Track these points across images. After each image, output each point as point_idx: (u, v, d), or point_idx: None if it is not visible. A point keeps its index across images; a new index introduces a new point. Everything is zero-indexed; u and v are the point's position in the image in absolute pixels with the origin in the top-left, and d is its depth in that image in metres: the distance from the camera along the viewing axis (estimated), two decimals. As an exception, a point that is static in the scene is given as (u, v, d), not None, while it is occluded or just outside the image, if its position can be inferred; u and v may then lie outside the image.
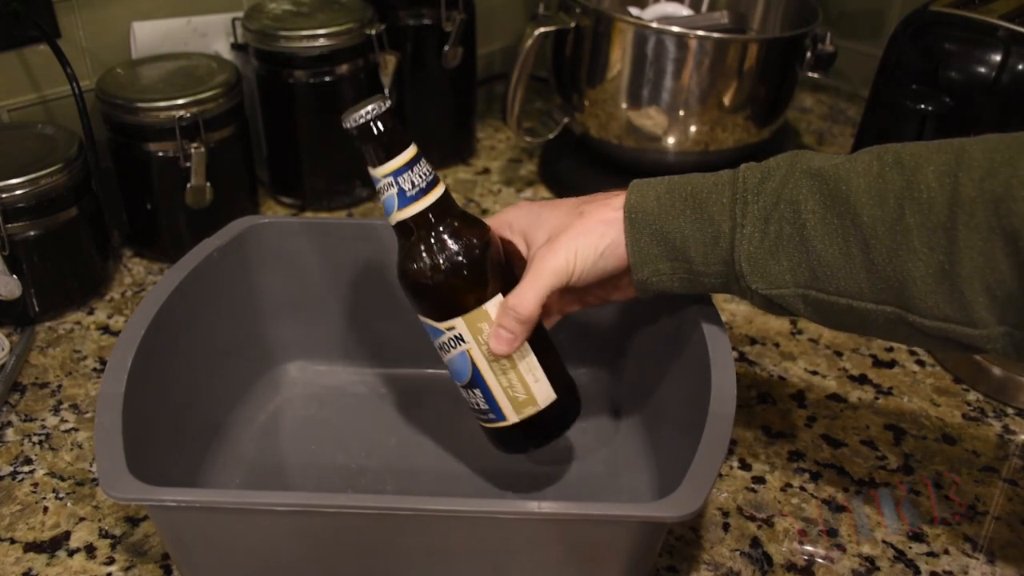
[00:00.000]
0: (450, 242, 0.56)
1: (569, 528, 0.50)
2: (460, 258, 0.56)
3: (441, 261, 0.56)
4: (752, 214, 0.53)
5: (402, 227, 0.56)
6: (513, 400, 0.59)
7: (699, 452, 0.50)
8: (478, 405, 0.60)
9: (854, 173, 0.50)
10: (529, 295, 0.55)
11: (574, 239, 0.56)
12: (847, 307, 0.51)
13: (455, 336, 0.57)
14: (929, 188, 0.48)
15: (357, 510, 0.49)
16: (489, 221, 0.59)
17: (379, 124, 0.53)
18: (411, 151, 0.55)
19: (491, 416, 0.60)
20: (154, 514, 0.52)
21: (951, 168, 0.48)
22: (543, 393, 0.59)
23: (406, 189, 0.55)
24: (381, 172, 0.54)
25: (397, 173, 0.54)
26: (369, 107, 0.53)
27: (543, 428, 0.61)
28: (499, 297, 0.57)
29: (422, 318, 0.59)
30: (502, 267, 0.59)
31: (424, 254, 0.56)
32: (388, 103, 0.53)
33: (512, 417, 0.59)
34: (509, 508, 0.50)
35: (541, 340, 0.59)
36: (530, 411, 0.59)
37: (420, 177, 0.55)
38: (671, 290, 0.57)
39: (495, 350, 0.57)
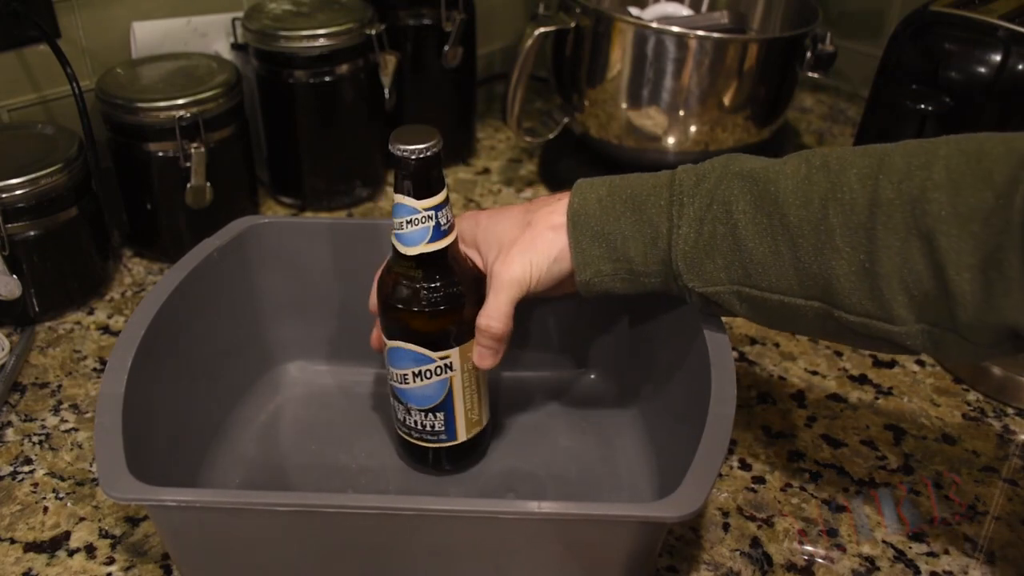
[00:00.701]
0: (470, 276, 0.60)
1: (569, 528, 0.50)
2: (477, 291, 0.60)
3: (466, 293, 0.59)
4: (687, 215, 0.55)
5: (427, 258, 0.57)
6: (468, 421, 0.63)
7: (699, 452, 0.50)
8: (432, 427, 0.63)
9: (783, 175, 0.53)
10: (496, 312, 0.58)
11: (526, 249, 0.58)
12: (779, 303, 0.54)
13: (445, 364, 0.60)
14: (851, 190, 0.50)
15: (358, 510, 0.49)
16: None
17: (436, 159, 0.55)
18: (446, 187, 0.57)
19: (442, 437, 0.63)
20: (154, 514, 0.53)
21: (872, 171, 0.50)
22: (486, 412, 0.65)
23: (442, 223, 0.56)
24: (425, 204, 0.55)
25: (439, 207, 0.56)
26: (430, 142, 0.54)
27: (480, 444, 0.66)
28: None
29: (411, 347, 0.60)
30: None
31: (452, 286, 0.58)
32: (440, 138, 0.55)
33: (462, 437, 0.63)
34: (509, 508, 0.50)
35: None
36: (476, 430, 0.64)
37: (451, 213, 0.57)
38: (613, 290, 0.58)
39: (481, 366, 0.60)
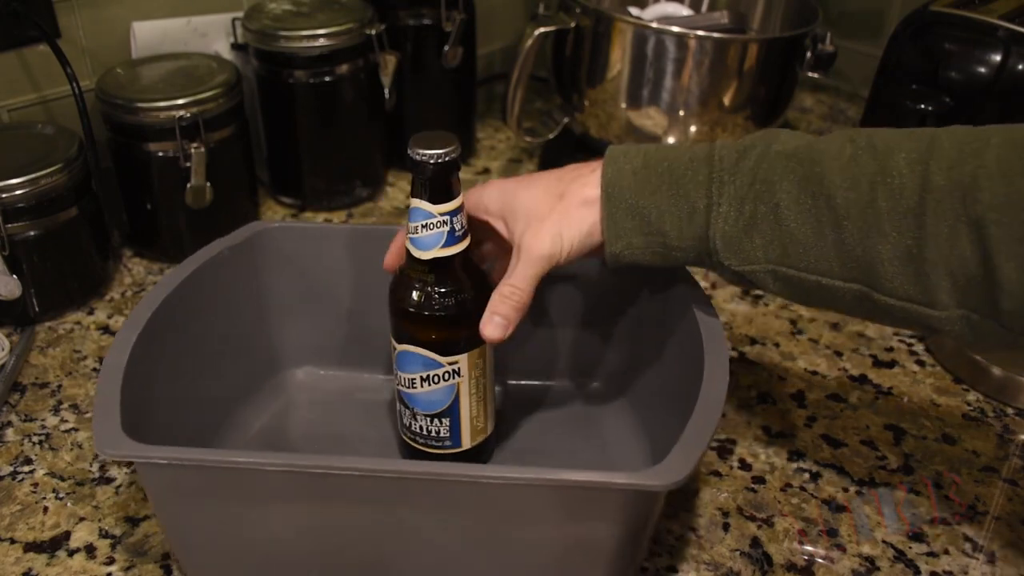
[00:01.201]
0: (482, 281, 0.60)
1: (556, 499, 0.50)
2: (489, 297, 0.59)
3: (477, 299, 0.59)
4: (728, 194, 0.54)
5: (440, 263, 0.58)
6: (473, 428, 0.63)
7: (689, 425, 0.50)
8: (437, 433, 0.63)
9: (828, 155, 0.52)
10: (522, 283, 0.57)
11: (558, 224, 0.57)
12: (816, 284, 0.53)
13: (453, 370, 0.60)
14: (900, 174, 0.50)
15: (345, 471, 0.49)
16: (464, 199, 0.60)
17: (454, 165, 0.56)
18: (462, 194, 0.57)
19: (447, 444, 0.63)
20: (145, 476, 0.52)
21: (922, 156, 0.50)
22: (491, 421, 0.65)
23: (456, 228, 0.57)
24: (441, 209, 0.56)
25: (455, 212, 0.57)
26: (448, 147, 0.55)
27: (483, 453, 0.66)
28: None
29: (420, 351, 0.60)
30: None
31: (464, 292, 0.59)
32: (458, 145, 0.56)
33: (466, 444, 0.64)
34: (492, 472, 0.50)
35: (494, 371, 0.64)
36: (481, 438, 0.64)
37: (465, 218, 0.58)
38: (642, 263, 0.58)
39: (490, 336, 0.57)
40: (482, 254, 0.64)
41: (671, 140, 0.95)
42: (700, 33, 0.89)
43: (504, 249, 0.61)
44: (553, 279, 0.69)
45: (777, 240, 0.53)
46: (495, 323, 0.57)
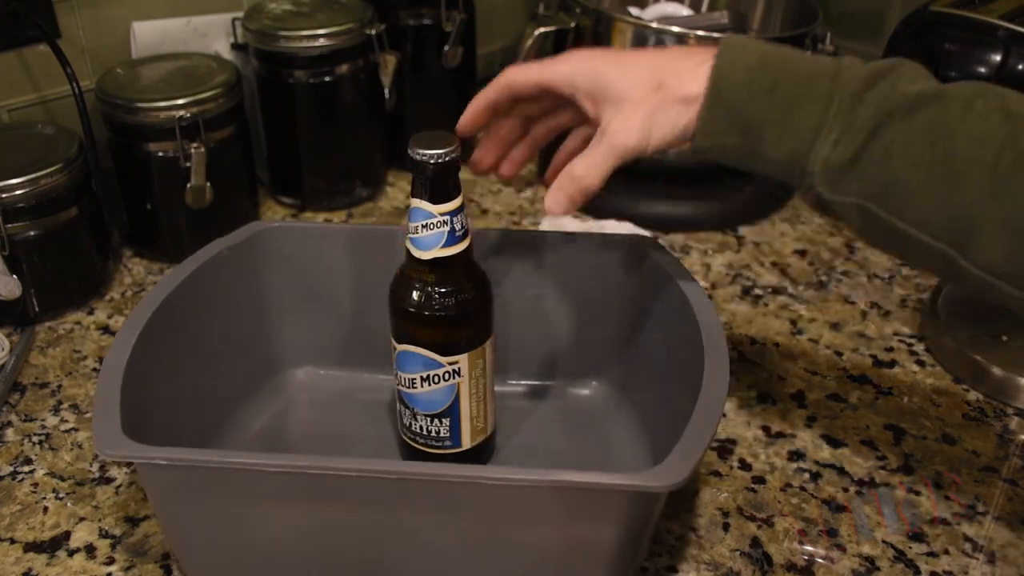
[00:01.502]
0: (482, 281, 0.61)
1: (556, 499, 0.50)
2: (488, 298, 0.61)
3: (477, 300, 0.60)
4: (844, 120, 0.50)
5: (441, 263, 0.58)
6: (474, 429, 0.63)
7: (688, 426, 0.50)
8: (437, 433, 0.63)
9: (957, 106, 0.49)
10: (598, 169, 0.55)
11: (650, 117, 0.53)
12: (903, 232, 0.50)
13: (453, 370, 0.60)
14: None
15: (344, 472, 0.49)
16: (547, 74, 0.58)
17: (454, 165, 0.56)
18: (463, 193, 0.57)
19: (447, 443, 0.63)
20: (146, 477, 0.52)
21: None
22: (491, 421, 0.65)
23: (456, 228, 0.57)
24: (441, 209, 0.56)
25: (455, 212, 0.57)
26: (449, 147, 0.55)
27: (483, 453, 0.66)
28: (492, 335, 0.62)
29: (420, 351, 0.60)
30: None
31: (464, 292, 0.59)
32: (458, 144, 0.56)
33: (466, 444, 0.64)
34: (493, 473, 0.50)
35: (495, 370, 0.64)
36: (480, 439, 0.64)
37: (466, 218, 0.58)
38: (724, 160, 0.54)
39: (553, 209, 0.56)
40: (560, 123, 0.62)
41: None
42: (700, 33, 0.89)
43: (582, 118, 0.59)
44: (553, 279, 0.69)
45: (880, 180, 0.50)
46: (556, 200, 0.56)
